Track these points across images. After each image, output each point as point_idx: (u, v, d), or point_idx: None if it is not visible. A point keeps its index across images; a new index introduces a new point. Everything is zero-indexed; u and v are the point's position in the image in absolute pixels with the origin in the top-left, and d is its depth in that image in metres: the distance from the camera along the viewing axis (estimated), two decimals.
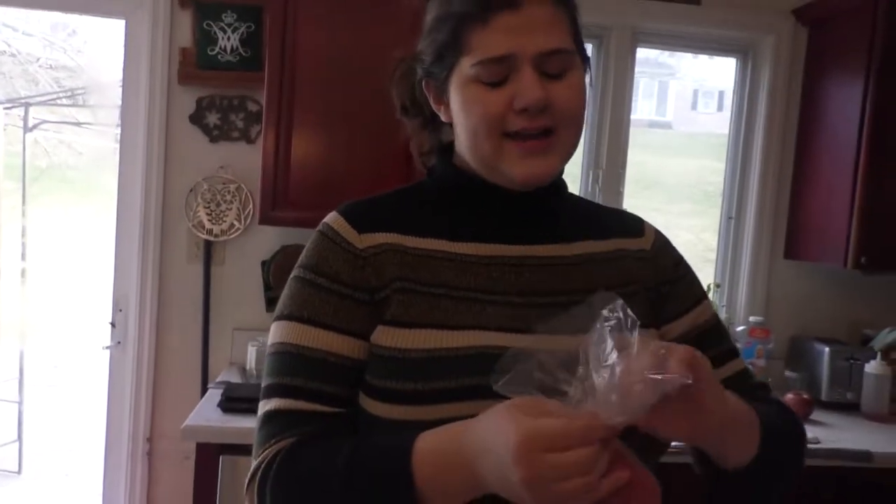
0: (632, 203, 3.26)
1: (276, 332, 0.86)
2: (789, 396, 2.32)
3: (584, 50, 0.89)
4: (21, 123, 4.22)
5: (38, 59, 4.95)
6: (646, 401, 0.65)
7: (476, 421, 0.71)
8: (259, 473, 0.80)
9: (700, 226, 3.20)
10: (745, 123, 2.74)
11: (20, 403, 4.08)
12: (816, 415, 2.32)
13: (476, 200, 0.90)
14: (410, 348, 0.81)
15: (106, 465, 2.56)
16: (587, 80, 0.90)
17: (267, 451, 0.81)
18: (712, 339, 0.95)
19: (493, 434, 0.68)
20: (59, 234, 4.77)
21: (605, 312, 0.68)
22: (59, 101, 4.87)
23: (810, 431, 2.14)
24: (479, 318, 0.83)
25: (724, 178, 2.81)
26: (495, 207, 0.89)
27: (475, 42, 0.82)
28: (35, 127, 4.49)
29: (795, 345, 2.67)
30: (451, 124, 0.91)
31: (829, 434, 2.16)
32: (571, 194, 0.99)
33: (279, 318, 0.86)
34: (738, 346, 2.58)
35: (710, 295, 2.68)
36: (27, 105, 4.22)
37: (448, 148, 0.94)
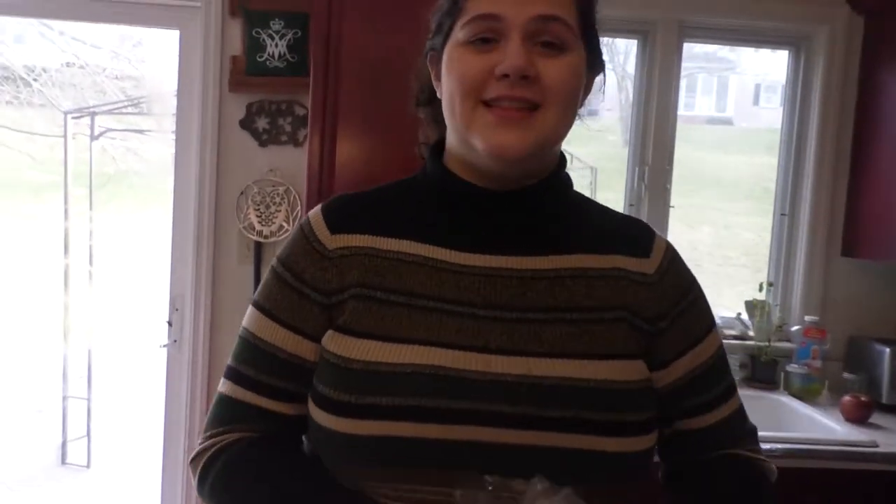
0: (687, 202, 3.20)
1: (245, 316, 0.88)
2: (847, 399, 2.25)
3: (592, 42, 0.85)
4: (89, 132, 4.42)
5: (104, 70, 5.16)
6: None
7: None
8: (204, 459, 0.84)
9: (761, 224, 3.12)
10: (798, 117, 2.66)
11: (89, 400, 4.26)
12: (875, 418, 2.24)
13: (460, 203, 0.86)
14: (352, 358, 0.79)
15: (164, 460, 2.66)
16: (601, 80, 0.87)
17: (213, 440, 0.84)
18: (707, 381, 0.89)
19: None
20: (125, 237, 4.97)
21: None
22: (123, 110, 5.07)
23: (868, 435, 2.07)
24: (433, 332, 0.79)
25: (777, 174, 2.74)
26: (480, 211, 0.85)
27: (470, 5, 0.81)
28: (101, 135, 4.68)
29: (854, 345, 2.57)
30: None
31: (889, 438, 2.08)
32: (580, 197, 0.93)
33: (252, 302, 0.88)
34: (793, 346, 2.52)
35: (764, 294, 2.61)
36: (93, 114, 4.41)
37: (441, 144, 0.91)
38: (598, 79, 0.89)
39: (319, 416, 0.80)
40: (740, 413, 0.93)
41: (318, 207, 0.89)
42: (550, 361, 0.79)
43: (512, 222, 0.85)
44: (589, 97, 0.89)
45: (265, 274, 0.89)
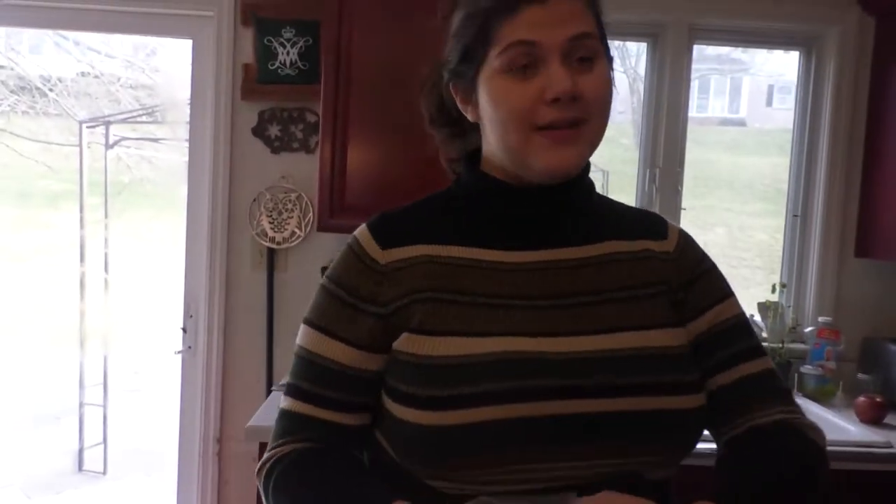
0: (700, 203, 3.18)
1: (299, 335, 0.93)
2: (862, 399, 2.24)
3: (608, 49, 0.90)
4: (103, 141, 4.46)
5: (119, 79, 5.20)
6: None
7: None
8: (266, 468, 0.88)
9: (774, 226, 3.10)
10: (810, 118, 2.66)
11: (104, 407, 4.29)
12: (891, 419, 2.23)
13: (501, 206, 0.92)
14: (437, 355, 0.84)
15: (179, 466, 2.68)
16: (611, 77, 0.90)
17: (276, 450, 0.89)
18: (732, 336, 0.94)
19: None
20: (140, 245, 5.00)
21: None
22: (137, 119, 5.11)
23: (883, 436, 2.06)
24: (505, 325, 0.85)
25: (789, 175, 2.73)
26: (521, 212, 0.91)
27: (503, 34, 0.84)
28: (116, 144, 4.72)
29: (868, 346, 2.56)
30: (478, 129, 0.93)
31: None
32: (599, 195, 0.99)
33: (304, 321, 0.93)
34: (807, 348, 2.51)
35: (776, 295, 2.60)
36: (108, 123, 4.45)
37: (475, 154, 0.96)
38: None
39: (407, 413, 0.83)
40: (771, 373, 0.95)
41: (363, 227, 0.93)
42: (615, 336, 0.87)
43: (551, 219, 0.92)
44: None
45: (315, 294, 0.93)
